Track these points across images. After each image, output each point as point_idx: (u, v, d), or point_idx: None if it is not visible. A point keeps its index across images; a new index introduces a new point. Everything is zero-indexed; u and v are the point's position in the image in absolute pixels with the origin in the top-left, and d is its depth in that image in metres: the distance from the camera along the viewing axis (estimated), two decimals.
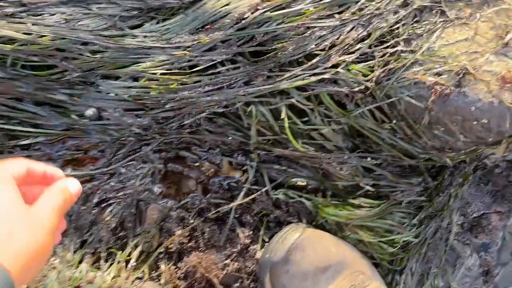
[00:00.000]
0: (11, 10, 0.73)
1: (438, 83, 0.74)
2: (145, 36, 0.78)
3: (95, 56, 0.76)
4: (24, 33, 0.72)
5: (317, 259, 0.78)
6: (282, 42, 0.77)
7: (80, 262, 0.79)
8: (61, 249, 0.79)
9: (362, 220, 0.84)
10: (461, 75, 0.74)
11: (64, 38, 0.74)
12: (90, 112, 0.77)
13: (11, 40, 0.72)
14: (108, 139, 0.81)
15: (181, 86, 0.78)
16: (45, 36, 0.73)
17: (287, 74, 0.78)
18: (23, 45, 0.72)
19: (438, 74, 0.75)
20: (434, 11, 0.78)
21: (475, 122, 0.75)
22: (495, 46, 0.74)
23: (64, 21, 0.74)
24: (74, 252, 0.80)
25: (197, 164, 0.86)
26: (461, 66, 0.74)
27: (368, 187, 0.86)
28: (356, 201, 0.86)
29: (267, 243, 0.83)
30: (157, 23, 0.80)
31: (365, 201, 0.86)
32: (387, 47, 0.77)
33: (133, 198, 0.83)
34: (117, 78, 0.78)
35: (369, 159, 0.85)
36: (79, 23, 0.75)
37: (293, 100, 0.79)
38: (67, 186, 0.49)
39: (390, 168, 0.88)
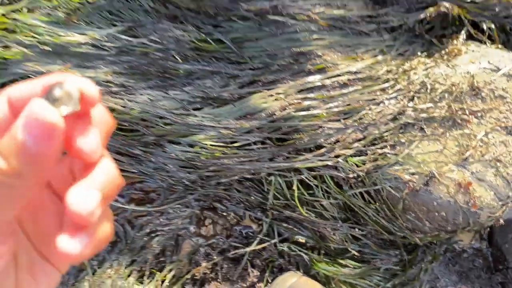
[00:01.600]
0: (116, 89, 1.05)
1: (412, 180, 1.00)
2: (203, 117, 1.09)
3: (166, 127, 1.06)
4: (121, 106, 1.04)
5: None
6: (300, 134, 1.06)
7: (129, 276, 1.06)
8: (116, 263, 1.06)
9: (346, 277, 1.08)
10: (428, 177, 0.99)
11: (147, 112, 1.05)
12: None
13: (111, 110, 1.04)
14: (165, 186, 1.10)
15: (223, 155, 1.07)
16: (134, 109, 1.04)
17: (301, 157, 1.06)
18: (119, 114, 1.04)
19: (412, 173, 1.01)
20: (415, 127, 1.05)
21: (436, 213, 1.00)
22: (457, 159, 1.00)
23: (149, 100, 1.06)
24: (125, 267, 1.06)
25: (224, 214, 1.13)
26: (430, 170, 1.00)
27: (354, 252, 1.10)
28: (343, 261, 1.10)
29: (270, 283, 1.08)
30: (213, 108, 1.10)
31: (351, 263, 1.10)
32: (377, 148, 1.05)
33: (174, 233, 1.11)
34: (178, 143, 1.08)
35: (357, 229, 1.10)
36: (159, 103, 1.07)
37: (303, 177, 1.07)
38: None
39: (373, 239, 1.12)
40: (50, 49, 0.98)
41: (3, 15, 0.97)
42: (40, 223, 0.35)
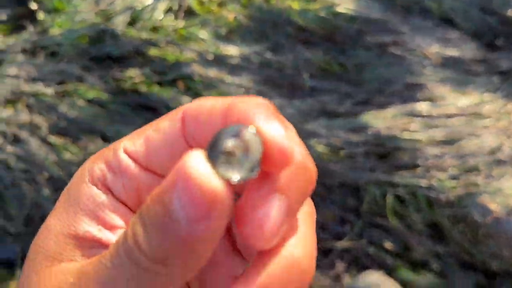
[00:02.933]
0: (253, 94, 1.31)
1: (496, 210, 1.10)
2: (318, 125, 1.30)
3: None
4: None
5: None
6: (401, 153, 1.22)
7: None
8: None
9: (423, 286, 1.21)
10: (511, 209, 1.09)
11: None
12: None
13: None
14: None
15: (330, 160, 1.27)
16: None
17: (399, 173, 1.22)
18: None
19: (498, 204, 1.11)
20: (508, 163, 1.15)
21: None
22: None
23: (277, 106, 1.30)
24: None
25: (323, 210, 1.33)
26: None
27: (435, 266, 1.22)
28: (422, 272, 1.22)
29: (354, 276, 1.24)
30: (328, 119, 1.31)
31: (430, 276, 1.22)
32: (470, 176, 1.17)
33: None
34: None
35: (440, 246, 1.22)
36: (284, 109, 1.30)
37: (398, 190, 1.22)
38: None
39: (454, 259, 1.23)
40: (211, 57, 1.28)
41: (183, 28, 1.28)
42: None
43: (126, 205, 0.24)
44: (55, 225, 0.24)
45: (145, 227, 0.18)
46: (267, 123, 0.18)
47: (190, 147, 0.23)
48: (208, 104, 0.21)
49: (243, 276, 0.20)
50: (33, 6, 1.31)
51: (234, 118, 0.19)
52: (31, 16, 1.32)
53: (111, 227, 0.23)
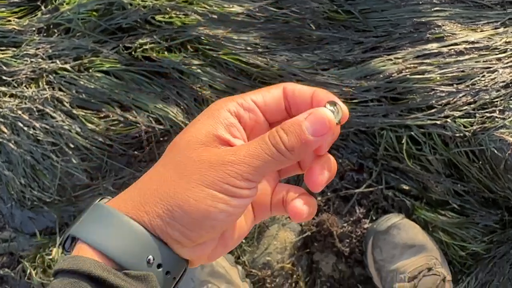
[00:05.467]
0: (261, 50, 1.32)
1: None
2: (329, 76, 1.30)
3: (298, 82, 1.30)
4: (265, 64, 1.30)
5: (407, 238, 1.18)
6: (413, 95, 1.21)
7: None
8: None
9: (444, 224, 1.22)
10: None
11: (284, 70, 1.30)
12: None
13: (257, 66, 1.31)
14: None
15: None
16: (275, 67, 1.30)
17: (412, 115, 1.21)
18: (262, 69, 1.31)
19: None
20: None
21: None
22: None
23: (286, 60, 1.31)
24: None
25: (340, 160, 1.34)
26: None
27: (454, 205, 1.22)
28: (443, 211, 1.23)
29: (374, 221, 1.27)
30: (338, 69, 1.31)
31: (450, 214, 1.23)
32: (486, 112, 1.15)
33: None
34: None
35: (459, 185, 1.22)
36: (294, 62, 1.31)
37: (412, 133, 1.22)
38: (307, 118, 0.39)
39: (475, 197, 1.23)
40: (216, 17, 1.29)
41: None
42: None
43: (244, 130, 0.42)
44: (203, 126, 0.40)
45: (286, 133, 0.38)
46: (339, 101, 0.41)
47: (289, 106, 0.43)
48: (299, 86, 0.43)
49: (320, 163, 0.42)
50: None
51: (321, 97, 0.41)
52: None
53: (234, 138, 0.41)
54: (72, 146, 1.29)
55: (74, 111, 1.29)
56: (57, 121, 1.29)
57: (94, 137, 1.29)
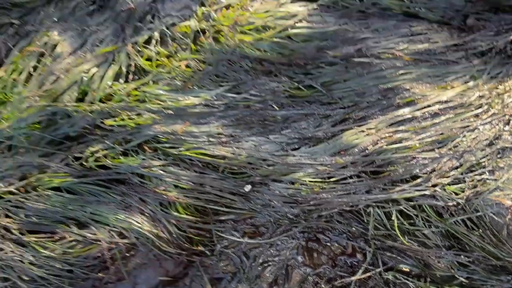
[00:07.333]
0: (225, 139, 1.22)
1: None
2: (300, 156, 1.20)
3: (269, 167, 1.20)
4: (231, 153, 1.20)
5: None
6: (394, 166, 1.11)
7: None
8: None
9: None
10: None
11: (252, 156, 1.20)
12: (247, 187, 1.19)
13: (223, 157, 1.20)
14: (272, 220, 1.23)
15: (321, 190, 1.17)
16: (242, 155, 1.20)
17: (398, 188, 1.11)
18: (230, 159, 1.20)
19: None
20: None
21: None
22: None
23: (253, 146, 1.21)
24: None
25: (328, 244, 1.22)
26: None
27: (462, 279, 1.10)
28: None
29: None
30: (309, 147, 1.21)
31: None
32: (475, 174, 1.06)
33: (284, 263, 1.22)
34: (281, 181, 1.20)
35: (462, 256, 1.10)
36: (262, 147, 1.21)
37: (401, 207, 1.11)
38: None
39: (481, 266, 1.11)
40: (172, 112, 1.19)
41: (135, 89, 1.21)
42: None
43: None
44: None
45: None
46: None
47: None
48: None
49: None
50: None
51: None
52: None
53: None
54: (26, 278, 1.13)
55: (25, 238, 1.14)
56: (5, 253, 1.13)
57: (50, 264, 1.13)
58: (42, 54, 1.22)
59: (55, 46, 1.22)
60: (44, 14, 1.25)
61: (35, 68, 1.21)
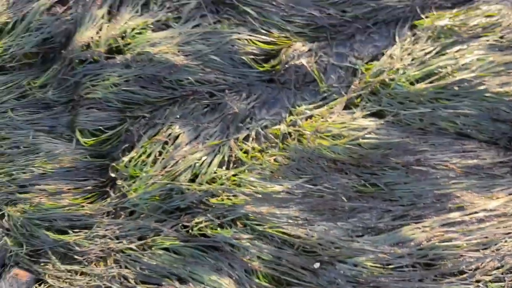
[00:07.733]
0: (301, 222, 1.49)
1: None
2: (364, 242, 1.44)
3: (336, 250, 1.44)
4: (305, 234, 1.47)
5: None
6: (444, 261, 1.33)
7: None
8: None
9: None
10: None
11: (322, 239, 1.45)
12: (317, 265, 1.43)
13: (298, 236, 1.47)
14: None
15: (380, 274, 1.39)
16: (314, 236, 1.46)
17: (446, 280, 1.32)
18: (303, 240, 1.46)
19: None
20: None
21: None
22: None
23: (324, 230, 1.47)
24: None
25: None
26: None
27: None
28: None
29: None
30: (371, 236, 1.45)
31: None
32: None
33: None
34: (345, 263, 1.44)
35: None
36: (331, 231, 1.47)
37: None
38: None
39: None
40: (261, 196, 1.50)
41: (234, 175, 1.53)
42: None
43: None
44: None
45: None
46: None
47: None
48: None
49: None
50: (113, 174, 1.60)
51: None
52: (112, 183, 1.62)
53: None
54: None
55: (138, 287, 1.44)
56: None
57: None
58: (166, 142, 1.59)
59: (176, 137, 1.59)
60: (170, 111, 1.64)
61: (160, 153, 1.58)
